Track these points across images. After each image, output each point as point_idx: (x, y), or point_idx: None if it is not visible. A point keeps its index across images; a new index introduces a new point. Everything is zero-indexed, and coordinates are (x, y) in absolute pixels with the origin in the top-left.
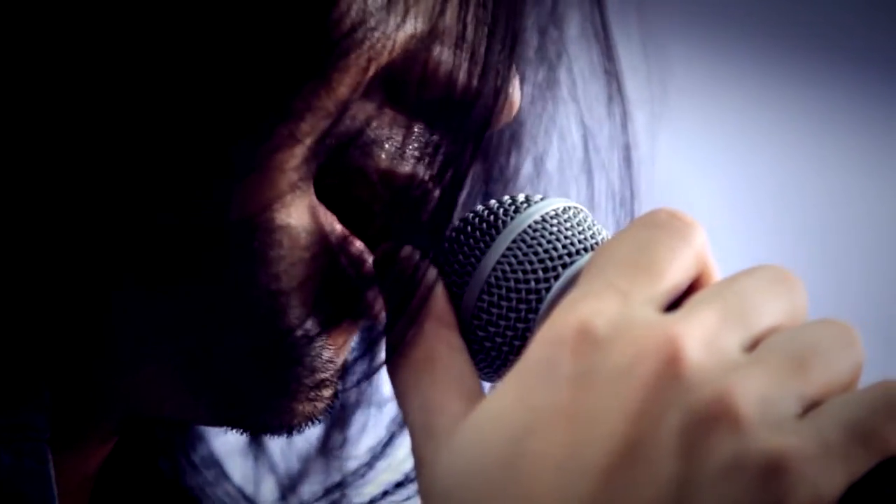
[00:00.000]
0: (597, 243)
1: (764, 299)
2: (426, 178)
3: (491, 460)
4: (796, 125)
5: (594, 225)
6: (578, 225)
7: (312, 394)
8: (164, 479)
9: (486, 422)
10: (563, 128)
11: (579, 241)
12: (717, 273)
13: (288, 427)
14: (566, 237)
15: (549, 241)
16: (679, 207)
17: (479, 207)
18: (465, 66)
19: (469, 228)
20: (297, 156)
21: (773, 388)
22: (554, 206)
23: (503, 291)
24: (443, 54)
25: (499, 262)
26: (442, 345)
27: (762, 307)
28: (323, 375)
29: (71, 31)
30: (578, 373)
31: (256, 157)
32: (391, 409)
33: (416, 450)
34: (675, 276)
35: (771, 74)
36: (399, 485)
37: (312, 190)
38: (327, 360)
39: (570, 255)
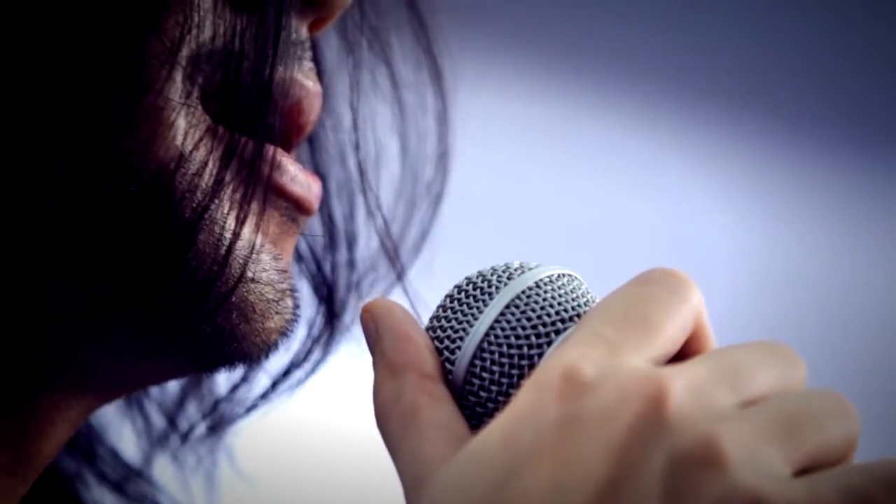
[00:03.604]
0: None
1: (759, 367)
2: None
3: (471, 503)
4: (794, 197)
5: (588, 292)
6: (572, 292)
7: (278, 307)
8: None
9: (468, 465)
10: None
11: (573, 308)
12: (712, 335)
13: (266, 347)
14: (559, 303)
15: (542, 307)
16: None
17: (473, 274)
18: None
19: (462, 295)
20: (176, 82)
21: (762, 441)
22: (548, 273)
23: (495, 356)
24: None
25: (491, 328)
26: (424, 396)
27: (756, 373)
28: (283, 286)
29: None
30: (563, 416)
31: (136, 93)
32: None
33: (409, 502)
34: (667, 332)
35: (777, 149)
36: (274, 384)
37: (206, 117)
38: (282, 270)
39: (563, 321)
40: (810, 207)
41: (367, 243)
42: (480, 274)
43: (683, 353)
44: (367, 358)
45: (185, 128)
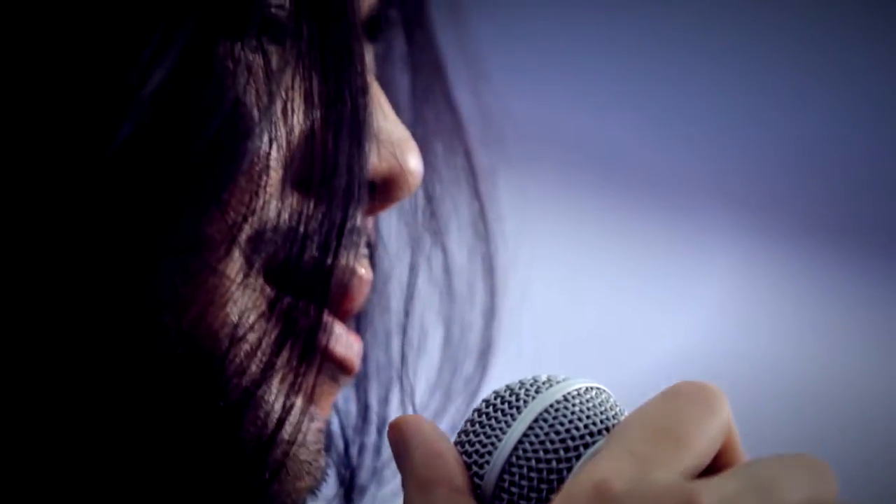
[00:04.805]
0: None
1: (790, 481)
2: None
3: None
4: (796, 295)
5: (616, 405)
6: (601, 405)
7: (310, 467)
8: None
9: None
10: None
11: (601, 422)
12: (741, 448)
13: None
14: (588, 417)
15: (570, 421)
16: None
17: (501, 388)
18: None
19: (491, 409)
20: (234, 260)
21: None
22: (576, 386)
23: (524, 471)
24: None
25: (520, 442)
26: None
27: (787, 487)
28: (317, 446)
29: None
30: None
31: (193, 270)
32: None
33: None
34: (697, 446)
35: (778, 247)
36: None
37: (264, 294)
38: (318, 430)
39: (591, 434)
40: (824, 313)
41: None
42: (508, 388)
43: (714, 467)
44: None
45: (241, 308)
